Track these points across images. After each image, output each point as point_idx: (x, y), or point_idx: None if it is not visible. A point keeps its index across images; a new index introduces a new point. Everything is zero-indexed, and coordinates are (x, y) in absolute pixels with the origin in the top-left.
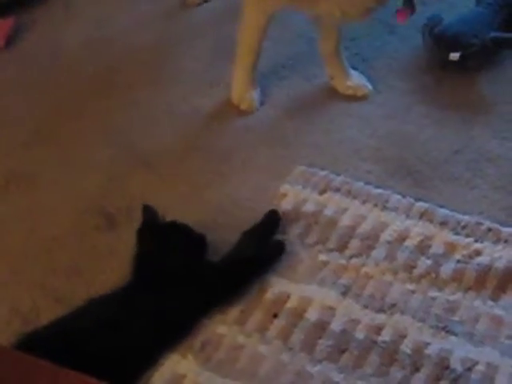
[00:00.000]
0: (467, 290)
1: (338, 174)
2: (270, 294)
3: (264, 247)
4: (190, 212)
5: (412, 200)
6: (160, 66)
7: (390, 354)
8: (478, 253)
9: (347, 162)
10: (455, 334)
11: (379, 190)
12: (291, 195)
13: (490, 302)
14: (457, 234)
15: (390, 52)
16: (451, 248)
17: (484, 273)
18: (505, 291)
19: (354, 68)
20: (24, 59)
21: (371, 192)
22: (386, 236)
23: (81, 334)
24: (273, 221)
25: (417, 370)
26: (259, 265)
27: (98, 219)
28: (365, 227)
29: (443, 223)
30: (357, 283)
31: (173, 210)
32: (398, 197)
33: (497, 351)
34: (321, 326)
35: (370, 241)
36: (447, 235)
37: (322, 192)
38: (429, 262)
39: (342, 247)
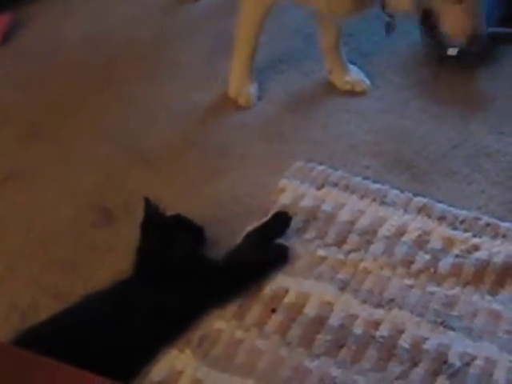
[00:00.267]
0: (465, 284)
1: (336, 169)
2: (268, 289)
3: (267, 250)
4: (188, 207)
5: (410, 195)
6: (158, 61)
7: (388, 349)
8: (476, 248)
9: (345, 157)
10: (453, 329)
11: (377, 185)
12: (289, 190)
13: (489, 297)
14: (455, 228)
15: (388, 47)
16: (449, 243)
17: (482, 268)
18: (503, 286)
19: (353, 63)
20: (21, 55)
21: (369, 187)
22: (384, 231)
23: (79, 329)
24: (279, 222)
25: (415, 364)
26: (260, 269)
27: (95, 215)
28: (363, 222)
29: (441, 218)
30: (355, 278)
31: (170, 206)
32: (396, 192)
33: (495, 346)
34: (319, 321)
35: (368, 236)
36: (445, 230)
37: (319, 187)
38: (427, 256)
39: (340, 242)
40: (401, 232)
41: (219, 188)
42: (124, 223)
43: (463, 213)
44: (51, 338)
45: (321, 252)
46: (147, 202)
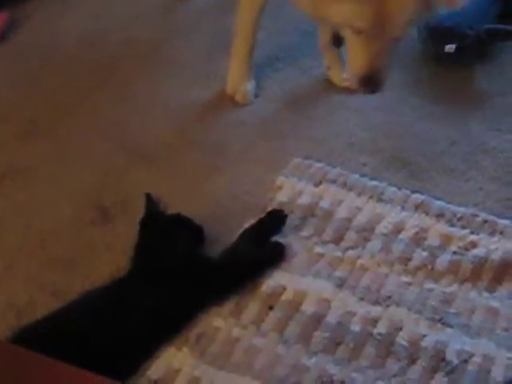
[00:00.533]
0: (463, 281)
1: (334, 166)
2: (265, 287)
3: (263, 248)
4: (186, 205)
5: (408, 192)
6: (156, 59)
7: (386, 347)
8: (473, 245)
9: (343, 154)
10: (451, 326)
11: (375, 182)
12: (287, 187)
13: (486, 294)
14: (452, 225)
15: None
16: (447, 240)
17: (480, 265)
18: (501, 283)
19: None
20: (18, 54)
21: (367, 184)
22: (381, 228)
23: (76, 327)
24: (274, 219)
25: (413, 362)
26: (257, 267)
27: (93, 213)
28: (360, 219)
29: (439, 215)
30: (352, 275)
31: (169, 204)
32: (394, 189)
33: (493, 343)
34: (316, 319)
35: (366, 233)
36: (443, 227)
37: (317, 184)
38: (424, 253)
39: (337, 239)
40: (398, 229)
41: (217, 185)
42: (122, 221)
43: (461, 210)
44: (48, 335)
45: (318, 249)
46: (148, 198)
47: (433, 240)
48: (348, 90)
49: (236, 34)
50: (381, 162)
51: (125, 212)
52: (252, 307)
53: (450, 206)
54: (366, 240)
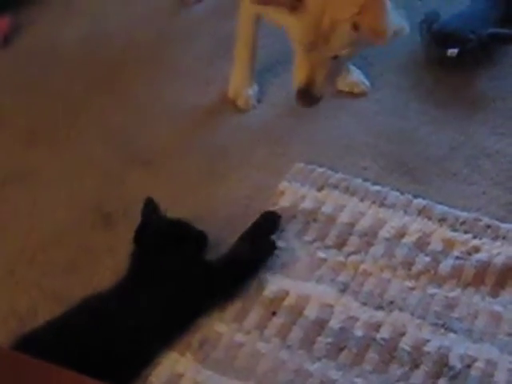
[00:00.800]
0: (466, 286)
1: (336, 171)
2: (268, 292)
3: (255, 246)
4: (188, 210)
5: (410, 196)
6: (158, 63)
7: (389, 352)
8: (476, 249)
9: (345, 159)
10: (454, 331)
11: (377, 187)
12: (289, 192)
13: (489, 299)
14: (455, 230)
15: (388, 48)
16: (450, 244)
17: (483, 269)
18: (504, 287)
19: (353, 65)
20: (21, 58)
21: (369, 189)
22: (384, 233)
23: (77, 333)
24: (269, 221)
25: (416, 367)
26: (251, 266)
27: (94, 218)
28: (363, 224)
29: (441, 220)
30: (355, 280)
31: (170, 208)
32: (396, 193)
33: (496, 348)
34: (319, 324)
35: (369, 238)
36: (446, 232)
37: (320, 189)
38: (427, 258)
39: (340, 244)
40: (401, 234)
41: (219, 190)
42: (123, 226)
43: (463, 214)
44: (48, 343)
45: (321, 254)
46: (147, 202)
47: (435, 245)
48: (350, 95)
49: (237, 40)
50: (383, 167)
51: (126, 216)
52: (255, 312)
53: (452, 210)
54: (369, 245)
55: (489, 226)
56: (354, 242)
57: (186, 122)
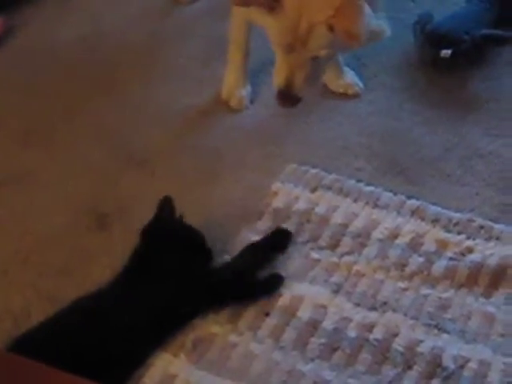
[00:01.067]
0: (459, 287)
1: (330, 172)
2: None
3: (262, 280)
4: (182, 211)
5: (403, 197)
6: (152, 64)
7: (382, 352)
8: (469, 250)
9: (338, 160)
10: (447, 332)
11: (370, 188)
12: (283, 193)
13: (482, 300)
14: (448, 231)
15: (381, 49)
16: (443, 245)
17: (476, 270)
18: (497, 288)
19: (346, 66)
20: (16, 59)
21: (362, 190)
22: (377, 234)
23: (70, 333)
24: (279, 238)
25: (409, 367)
26: (252, 292)
27: (90, 219)
28: (356, 225)
29: (435, 220)
30: (348, 281)
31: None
32: (390, 194)
33: (489, 348)
34: (313, 325)
35: (362, 239)
36: (439, 232)
37: (313, 190)
38: (421, 259)
39: (333, 245)
40: (394, 235)
41: (213, 191)
42: (118, 227)
43: (457, 215)
44: (41, 344)
45: (314, 255)
46: (165, 202)
47: (429, 245)
48: (344, 96)
49: (230, 41)
50: (377, 168)
51: (121, 218)
52: (248, 313)
53: (445, 211)
54: (362, 246)
55: (482, 227)
56: (347, 242)
57: (180, 123)
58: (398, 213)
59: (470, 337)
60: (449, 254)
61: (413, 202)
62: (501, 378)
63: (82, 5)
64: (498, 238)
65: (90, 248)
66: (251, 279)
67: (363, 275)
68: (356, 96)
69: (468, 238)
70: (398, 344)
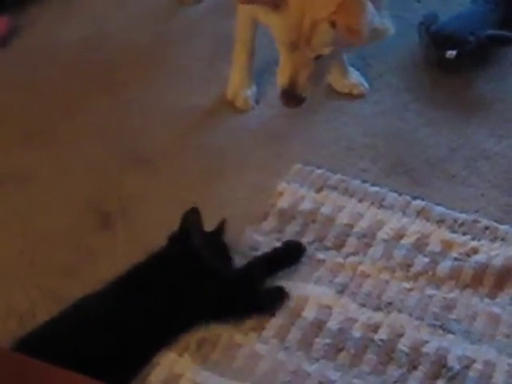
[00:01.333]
0: (464, 287)
1: (335, 172)
2: None
3: (266, 292)
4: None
5: (409, 198)
6: (156, 64)
7: (387, 353)
8: (475, 251)
9: (344, 160)
10: (452, 332)
11: (376, 188)
12: (288, 193)
13: (487, 300)
14: (454, 231)
15: (386, 50)
16: (448, 246)
17: (481, 271)
18: (502, 289)
19: (351, 66)
20: (19, 59)
21: (368, 190)
22: (382, 234)
23: (75, 333)
24: (291, 251)
25: (414, 368)
26: (253, 306)
27: (93, 219)
28: (362, 225)
29: (440, 221)
30: (354, 281)
31: (168, 210)
32: (395, 195)
33: (494, 349)
34: (317, 325)
35: (367, 239)
36: (444, 233)
37: (318, 190)
38: (426, 260)
39: (338, 245)
40: (399, 235)
41: (217, 191)
42: (122, 227)
43: (462, 216)
44: (46, 343)
45: (319, 255)
46: (189, 213)
47: (434, 246)
48: (349, 96)
49: (236, 42)
50: (382, 168)
51: (125, 217)
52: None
53: (451, 212)
54: (368, 246)
55: (487, 228)
56: (352, 243)
57: (185, 123)
58: (404, 213)
59: (475, 337)
60: (454, 254)
61: (418, 203)
62: (506, 378)
63: (87, 5)
64: (503, 239)
65: (94, 247)
66: (256, 292)
67: (368, 275)
68: (361, 96)
69: (473, 238)
70: (403, 344)
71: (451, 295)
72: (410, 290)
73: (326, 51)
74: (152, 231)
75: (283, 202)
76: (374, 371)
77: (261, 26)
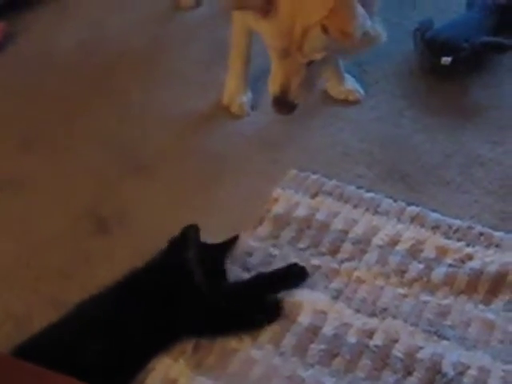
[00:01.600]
0: (459, 294)
1: (330, 178)
2: None
3: (263, 306)
4: (182, 216)
5: (403, 204)
6: (153, 69)
7: (382, 359)
8: (469, 257)
9: (339, 166)
10: (447, 338)
11: (371, 194)
12: (283, 199)
13: (482, 306)
14: (448, 238)
15: (382, 56)
16: (443, 252)
17: (476, 277)
18: (496, 295)
19: (347, 72)
20: (16, 64)
21: (363, 196)
22: (377, 240)
23: (73, 338)
24: (293, 274)
25: (409, 374)
26: (250, 324)
27: (91, 223)
28: (356, 231)
29: (435, 227)
30: (349, 287)
31: (165, 215)
32: (390, 201)
33: (488, 355)
34: (312, 330)
35: (362, 245)
36: (439, 239)
37: (313, 196)
38: (420, 266)
39: (333, 251)
40: (394, 241)
41: (213, 196)
42: (119, 232)
43: (457, 222)
44: (46, 350)
45: (314, 261)
46: (189, 229)
47: (429, 252)
48: (345, 102)
49: (231, 48)
50: (377, 174)
51: (122, 222)
52: None
53: (445, 218)
54: (363, 252)
55: (482, 234)
56: (347, 249)
57: (181, 128)
58: (398, 219)
59: (469, 343)
60: (448, 260)
61: (413, 209)
62: None
63: (83, 10)
64: (497, 246)
65: (91, 252)
66: (253, 310)
67: (363, 281)
68: (357, 102)
69: (468, 245)
70: (398, 350)
71: (446, 301)
72: (405, 296)
73: (318, 56)
74: (149, 236)
75: (278, 208)
76: (369, 377)
77: (256, 33)
